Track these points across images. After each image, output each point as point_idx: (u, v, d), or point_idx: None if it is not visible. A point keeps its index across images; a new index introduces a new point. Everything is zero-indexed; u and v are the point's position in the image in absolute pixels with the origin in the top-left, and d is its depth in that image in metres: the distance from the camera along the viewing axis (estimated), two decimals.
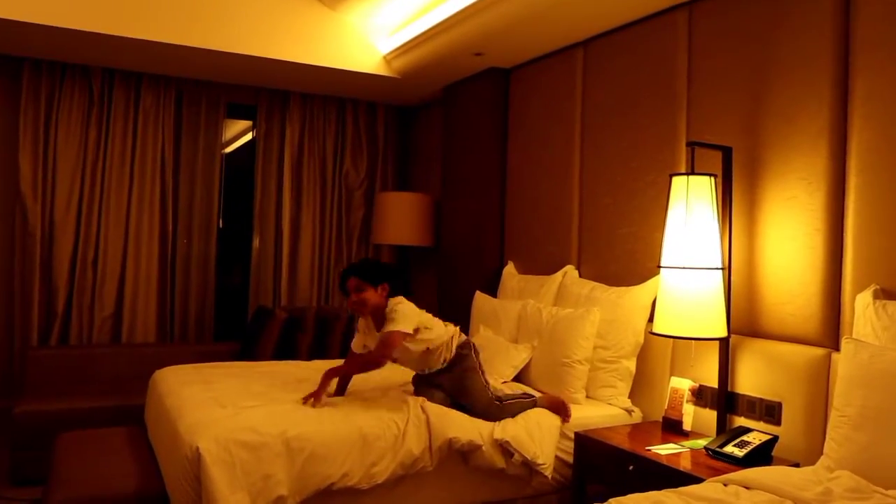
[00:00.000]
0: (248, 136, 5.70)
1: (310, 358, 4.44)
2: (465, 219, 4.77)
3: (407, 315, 2.96)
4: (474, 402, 2.99)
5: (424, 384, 3.13)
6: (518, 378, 3.50)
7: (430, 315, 3.13)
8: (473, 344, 3.15)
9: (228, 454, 2.39)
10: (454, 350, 3.06)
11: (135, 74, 4.95)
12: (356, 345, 3.19)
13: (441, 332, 3.08)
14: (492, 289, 4.47)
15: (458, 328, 3.18)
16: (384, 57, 4.82)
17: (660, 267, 2.91)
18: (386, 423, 2.72)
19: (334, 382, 3.07)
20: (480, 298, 4.26)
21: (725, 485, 2.13)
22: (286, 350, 4.48)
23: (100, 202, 4.87)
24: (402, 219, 5.13)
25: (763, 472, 2.20)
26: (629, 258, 3.59)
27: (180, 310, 5.15)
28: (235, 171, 5.49)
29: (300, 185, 5.46)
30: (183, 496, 2.43)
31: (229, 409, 2.67)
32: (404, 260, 5.81)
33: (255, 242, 5.46)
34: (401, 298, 3.06)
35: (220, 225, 5.29)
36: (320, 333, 4.52)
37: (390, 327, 2.90)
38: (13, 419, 3.72)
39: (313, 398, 2.85)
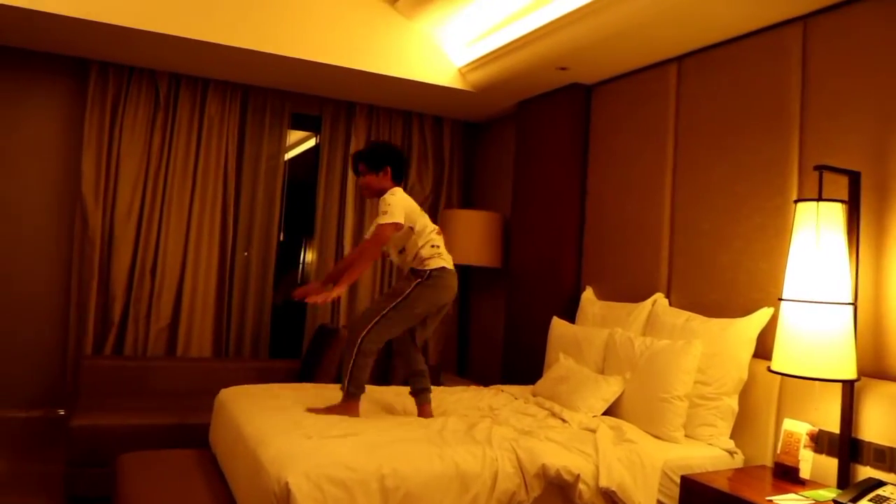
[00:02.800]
0: (310, 143, 5.55)
1: (374, 381, 4.24)
2: (539, 240, 4.55)
3: (398, 205, 3.04)
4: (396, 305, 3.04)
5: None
6: (609, 412, 3.26)
7: (420, 211, 3.18)
8: (442, 276, 3.11)
9: (320, 492, 2.18)
10: (425, 263, 3.11)
11: (201, 80, 4.83)
12: (368, 231, 3.26)
13: (418, 238, 3.12)
14: (568, 314, 4.25)
15: (438, 247, 3.16)
16: (459, 69, 4.65)
17: (781, 300, 2.66)
18: (481, 458, 2.50)
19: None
20: (559, 325, 4.04)
21: None
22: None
23: (161, 209, 4.74)
24: (468, 237, 4.93)
25: None
26: (729, 288, 3.34)
27: (237, 324, 4.99)
28: (293, 180, 5.33)
29: (363, 199, 5.28)
30: None
31: (315, 440, 2.46)
32: (468, 280, 5.59)
33: (309, 255, 5.28)
34: (395, 189, 3.12)
35: (281, 238, 5.13)
36: (385, 355, 4.31)
37: (381, 220, 3.02)
38: (69, 433, 3.55)
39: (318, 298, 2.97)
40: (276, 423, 2.64)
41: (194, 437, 3.69)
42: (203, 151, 4.83)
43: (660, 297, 3.69)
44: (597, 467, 2.63)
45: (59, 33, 4.09)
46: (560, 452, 2.62)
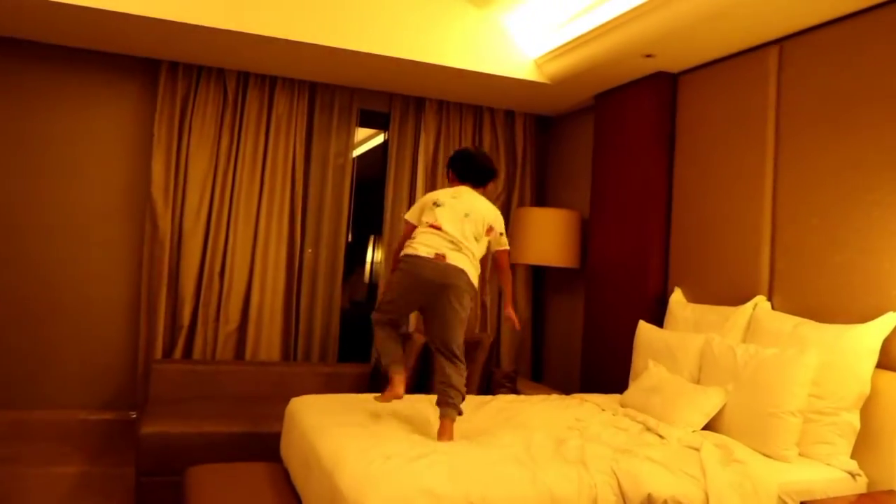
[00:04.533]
0: (378, 140, 5.38)
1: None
2: (621, 239, 4.28)
3: (415, 205, 3.15)
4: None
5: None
6: (710, 427, 2.98)
7: (431, 206, 3.06)
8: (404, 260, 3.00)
9: None
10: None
11: (269, 77, 4.72)
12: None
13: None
14: (655, 318, 3.98)
15: (414, 238, 3.03)
16: (535, 60, 4.41)
17: None
18: (577, 483, 2.27)
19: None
20: (646, 329, 3.76)
21: None
22: (424, 378, 4.10)
23: (229, 210, 4.64)
24: (543, 237, 4.68)
25: None
26: (844, 290, 3.02)
27: (305, 326, 4.86)
28: (361, 178, 5.18)
29: None
30: None
31: (395, 460, 2.27)
32: (543, 281, 5.35)
33: (377, 255, 5.12)
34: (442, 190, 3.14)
35: (349, 238, 4.98)
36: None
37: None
38: (139, 441, 3.47)
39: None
40: (351, 441, 2.46)
41: (264, 446, 3.58)
42: (271, 150, 4.71)
43: (761, 301, 3.38)
44: (706, 494, 2.36)
45: (130, 33, 4.03)
46: (664, 477, 2.36)
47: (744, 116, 3.63)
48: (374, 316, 3.05)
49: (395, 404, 3.07)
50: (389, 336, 3.02)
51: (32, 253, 4.46)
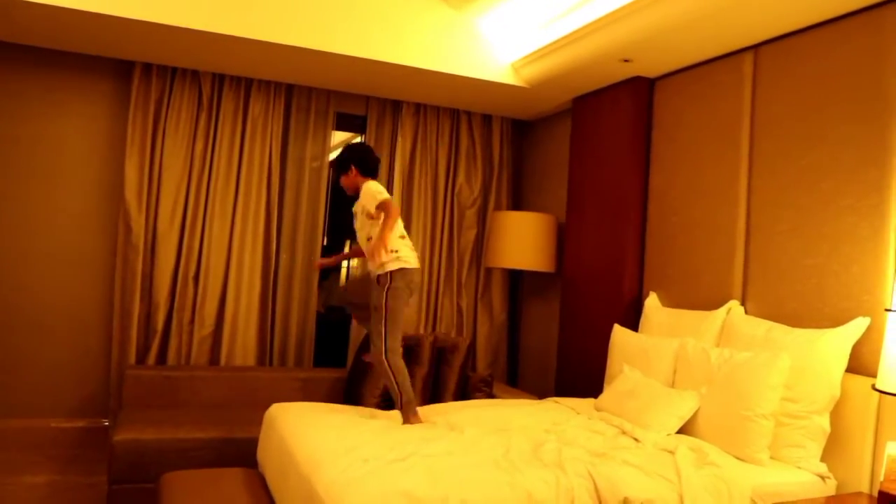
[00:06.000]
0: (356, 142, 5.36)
1: (424, 392, 4.04)
2: (597, 243, 4.30)
3: (382, 190, 3.30)
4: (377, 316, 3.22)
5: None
6: (684, 430, 3.01)
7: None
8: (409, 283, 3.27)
9: None
10: (384, 266, 3.24)
11: (244, 79, 4.68)
12: (361, 240, 3.43)
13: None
14: (630, 322, 4.00)
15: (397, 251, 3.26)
16: (512, 64, 4.42)
17: (890, 310, 2.39)
18: (554, 486, 2.28)
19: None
20: (621, 333, 3.79)
21: None
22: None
23: (204, 213, 4.60)
24: (520, 241, 4.70)
25: None
26: (815, 295, 3.06)
27: (281, 331, 4.82)
28: (337, 182, 5.14)
29: (410, 200, 5.09)
30: None
31: (373, 463, 2.26)
32: (519, 285, 5.36)
33: (354, 260, 5.10)
34: (370, 181, 3.40)
35: (325, 242, 4.95)
36: (437, 366, 4.11)
37: (381, 198, 3.21)
38: (112, 448, 3.42)
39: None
40: (330, 446, 2.45)
41: (240, 452, 3.55)
42: (246, 153, 4.68)
43: (734, 305, 3.42)
44: (680, 496, 2.38)
45: (102, 34, 3.98)
46: (640, 480, 2.38)
47: (719, 121, 3.66)
48: (397, 359, 3.19)
49: (374, 411, 3.09)
50: (406, 371, 3.22)
51: (1, 257, 4.38)
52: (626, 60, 3.85)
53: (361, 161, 3.43)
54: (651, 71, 4.03)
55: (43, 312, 4.46)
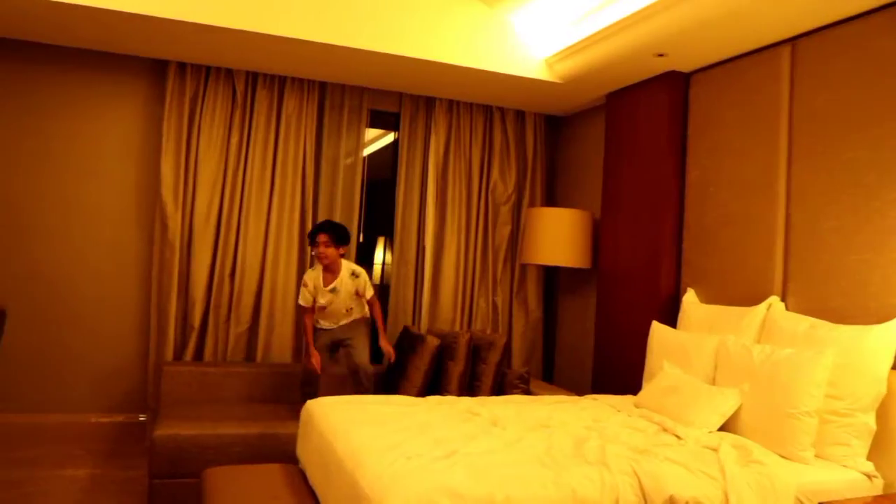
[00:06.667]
0: (388, 139, 5.37)
1: (460, 389, 4.04)
2: (634, 238, 4.27)
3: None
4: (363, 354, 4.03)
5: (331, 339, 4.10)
6: (726, 428, 2.98)
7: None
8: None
9: None
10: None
11: (278, 77, 4.71)
12: (306, 300, 3.96)
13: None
14: (667, 319, 3.97)
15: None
16: (546, 60, 4.40)
17: None
18: (599, 483, 2.27)
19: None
20: (660, 330, 3.76)
21: None
22: (435, 379, 4.09)
23: (239, 210, 4.64)
24: (555, 237, 4.68)
25: None
26: (860, 291, 3.02)
27: None
28: (371, 177, 5.18)
29: (444, 197, 5.09)
30: None
31: (416, 460, 2.27)
32: (554, 282, 5.34)
33: (386, 256, 5.12)
34: (352, 264, 4.04)
35: (360, 239, 4.97)
36: (472, 363, 4.10)
37: (370, 291, 4.06)
38: (152, 443, 3.46)
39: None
40: (372, 442, 2.45)
41: (278, 447, 3.58)
42: (281, 150, 4.71)
43: (775, 301, 3.38)
44: (725, 494, 2.36)
45: (137, 34, 4.03)
46: (685, 478, 2.36)
47: (757, 115, 3.62)
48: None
49: (414, 406, 3.09)
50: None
51: (41, 255, 4.46)
52: (660, 55, 3.82)
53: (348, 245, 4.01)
54: (686, 65, 3.99)
55: (82, 310, 4.53)
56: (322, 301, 3.95)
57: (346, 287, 3.95)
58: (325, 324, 4.08)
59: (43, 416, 4.46)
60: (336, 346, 4.15)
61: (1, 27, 4.12)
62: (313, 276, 3.97)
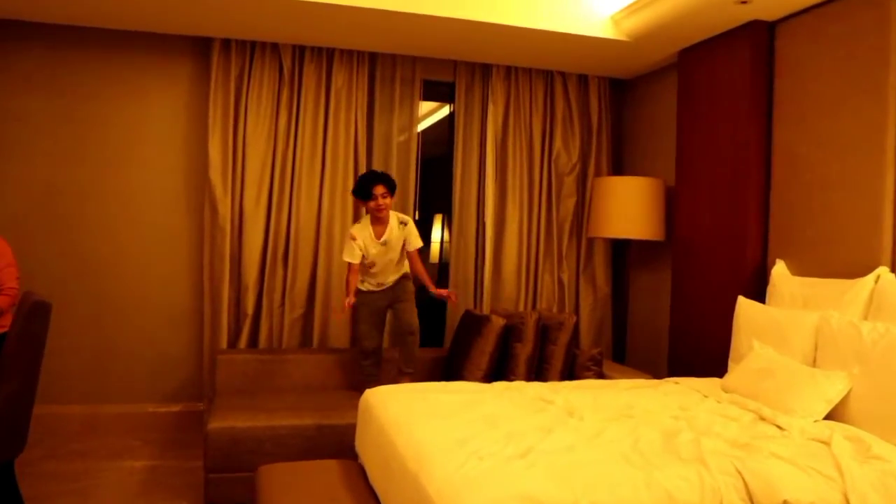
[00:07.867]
0: (443, 113, 5.09)
1: (528, 372, 3.78)
2: (713, 207, 3.92)
3: None
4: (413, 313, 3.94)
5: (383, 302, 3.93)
6: (831, 416, 2.64)
7: None
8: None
9: None
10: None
11: (326, 50, 4.47)
12: (355, 256, 3.73)
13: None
14: (753, 294, 3.62)
15: None
16: (611, 17, 4.05)
17: None
18: (698, 486, 1.98)
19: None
20: (747, 306, 3.41)
21: None
22: (501, 362, 3.83)
23: (290, 192, 4.44)
24: (624, 208, 4.34)
25: None
26: None
27: None
28: (426, 153, 4.92)
29: (505, 170, 4.80)
30: None
31: (489, 461, 2.01)
32: (623, 256, 5.01)
33: (445, 234, 4.86)
34: (397, 213, 3.92)
35: (416, 217, 4.72)
36: (541, 344, 3.83)
37: (419, 241, 3.92)
38: (207, 437, 3.31)
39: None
40: (437, 438, 2.21)
41: (336, 438, 3.41)
42: (331, 127, 4.48)
43: (884, 272, 2.99)
44: (844, 496, 2.04)
45: (178, 10, 3.85)
46: (798, 478, 2.05)
47: (858, 66, 3.21)
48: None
49: (479, 394, 2.84)
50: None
51: (89, 246, 4.36)
52: (742, 2, 3.44)
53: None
54: (771, 13, 3.60)
55: (135, 299, 4.41)
56: (373, 253, 3.77)
57: (396, 237, 3.81)
58: (371, 284, 3.89)
59: (99, 406, 4.37)
60: (385, 310, 3.99)
61: (40, 12, 3.99)
62: (361, 229, 3.77)
